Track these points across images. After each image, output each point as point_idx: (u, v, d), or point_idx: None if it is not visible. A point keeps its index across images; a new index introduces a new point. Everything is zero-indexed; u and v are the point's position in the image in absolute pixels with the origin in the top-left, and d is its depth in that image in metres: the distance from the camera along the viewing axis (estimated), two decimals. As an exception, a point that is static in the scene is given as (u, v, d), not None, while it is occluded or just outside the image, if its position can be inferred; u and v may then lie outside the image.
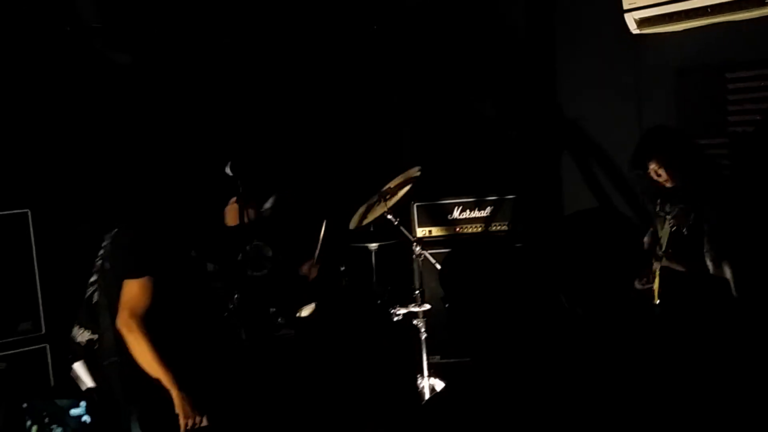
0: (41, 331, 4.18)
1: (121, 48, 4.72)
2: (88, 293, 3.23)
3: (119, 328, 3.01)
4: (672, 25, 4.63)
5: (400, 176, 4.46)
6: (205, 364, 3.33)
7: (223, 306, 3.81)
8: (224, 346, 3.68)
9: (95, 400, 1.82)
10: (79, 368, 3.15)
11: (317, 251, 4.49)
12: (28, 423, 1.83)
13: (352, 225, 4.48)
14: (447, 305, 4.96)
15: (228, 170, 3.69)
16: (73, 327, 3.26)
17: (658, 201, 3.93)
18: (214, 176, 3.77)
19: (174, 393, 2.99)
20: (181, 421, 2.99)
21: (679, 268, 3.76)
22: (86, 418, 1.96)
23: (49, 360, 4.16)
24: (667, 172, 3.81)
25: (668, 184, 3.83)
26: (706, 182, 3.76)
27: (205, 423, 3.04)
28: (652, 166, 3.83)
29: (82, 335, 3.18)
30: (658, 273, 3.83)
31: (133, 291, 3.01)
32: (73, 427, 1.81)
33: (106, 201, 4.33)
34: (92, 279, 3.24)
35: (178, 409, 2.98)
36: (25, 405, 1.92)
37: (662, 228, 3.75)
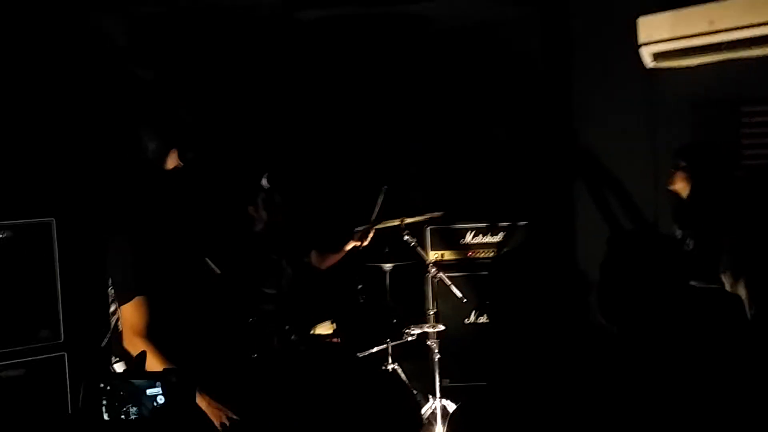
0: (60, 339, 4.21)
1: (145, 64, 4.80)
2: (113, 323, 3.21)
3: (128, 351, 3.00)
4: (687, 59, 4.73)
5: (423, 215, 4.58)
6: (219, 376, 3.30)
7: (242, 319, 3.83)
8: (239, 360, 3.68)
9: (172, 381, 1.82)
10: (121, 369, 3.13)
11: (374, 215, 4.48)
12: (105, 402, 1.86)
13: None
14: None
15: (264, 182, 3.73)
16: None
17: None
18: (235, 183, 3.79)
19: (197, 399, 2.95)
20: (216, 422, 2.97)
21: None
22: (160, 399, 1.98)
23: (67, 368, 4.19)
24: (689, 179, 3.90)
25: (684, 193, 3.90)
26: (728, 199, 3.84)
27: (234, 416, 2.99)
28: (683, 165, 3.92)
29: (119, 366, 3.17)
30: None
31: (128, 313, 2.98)
32: (148, 408, 1.82)
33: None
34: (112, 309, 3.23)
35: (207, 411, 2.96)
36: (102, 385, 1.94)
37: None
